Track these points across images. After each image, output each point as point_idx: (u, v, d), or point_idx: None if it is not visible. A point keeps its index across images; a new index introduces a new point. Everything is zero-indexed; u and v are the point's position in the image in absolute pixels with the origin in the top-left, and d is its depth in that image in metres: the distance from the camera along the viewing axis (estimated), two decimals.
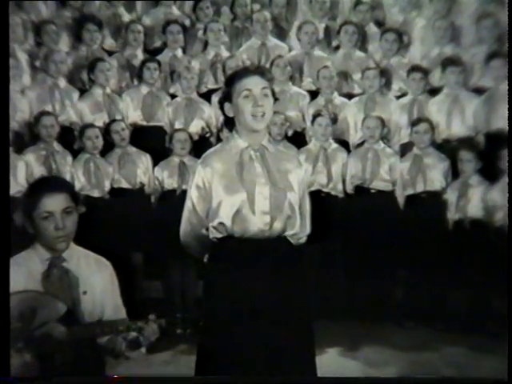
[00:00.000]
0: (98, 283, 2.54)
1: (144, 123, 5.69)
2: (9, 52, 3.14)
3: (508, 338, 2.41)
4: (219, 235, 2.65)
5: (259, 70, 2.73)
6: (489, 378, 2.48)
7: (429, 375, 2.98)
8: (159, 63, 5.76)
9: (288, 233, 2.68)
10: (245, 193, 2.61)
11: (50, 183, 2.63)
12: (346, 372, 4.34)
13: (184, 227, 2.72)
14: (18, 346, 2.10)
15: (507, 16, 3.91)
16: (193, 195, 2.68)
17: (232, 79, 2.71)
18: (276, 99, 2.74)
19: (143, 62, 5.76)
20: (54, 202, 2.48)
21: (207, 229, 2.67)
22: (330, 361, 4.43)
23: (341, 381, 3.16)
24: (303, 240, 2.79)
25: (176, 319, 2.43)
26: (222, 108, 2.72)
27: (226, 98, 2.69)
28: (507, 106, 3.26)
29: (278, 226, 2.65)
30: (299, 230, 2.72)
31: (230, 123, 2.73)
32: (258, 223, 2.62)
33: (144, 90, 5.71)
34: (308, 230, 2.81)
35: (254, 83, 2.64)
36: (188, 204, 2.71)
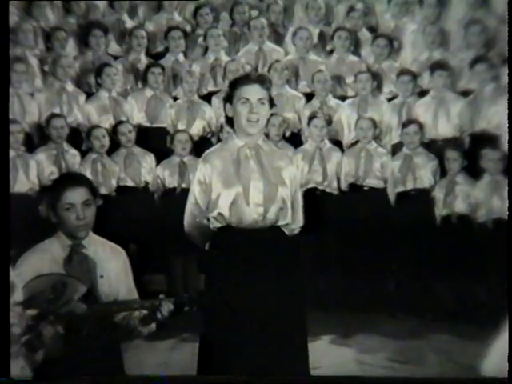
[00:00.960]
0: (113, 268, 2.83)
1: (148, 124, 5.94)
2: (9, 52, 3.06)
3: (508, 338, 2.36)
4: (218, 225, 2.94)
5: (260, 79, 3.02)
6: (489, 378, 2.42)
7: (429, 375, 2.96)
8: (163, 68, 6.01)
9: (280, 223, 2.97)
10: (241, 186, 2.90)
11: (72, 178, 2.93)
12: (339, 357, 4.62)
13: (187, 218, 3.01)
14: (50, 319, 2.37)
15: (507, 16, 3.91)
16: (195, 189, 2.96)
17: (234, 84, 3.00)
18: (273, 105, 3.03)
19: (148, 67, 6.01)
20: (76, 195, 2.76)
21: (208, 219, 2.96)
22: (323, 347, 4.71)
23: (341, 380, 3.28)
24: (296, 231, 3.07)
25: (183, 298, 2.72)
26: (224, 107, 3.01)
27: (228, 99, 2.98)
28: (507, 106, 3.22)
29: (270, 216, 2.94)
30: (291, 221, 3.00)
31: (230, 122, 3.02)
32: (252, 214, 2.91)
33: (148, 93, 5.96)
34: (301, 221, 3.08)
35: (253, 92, 2.92)
36: (191, 197, 3.00)
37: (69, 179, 2.90)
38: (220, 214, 2.92)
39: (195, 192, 2.96)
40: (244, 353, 2.85)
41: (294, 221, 3.03)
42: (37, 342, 2.24)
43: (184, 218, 3.01)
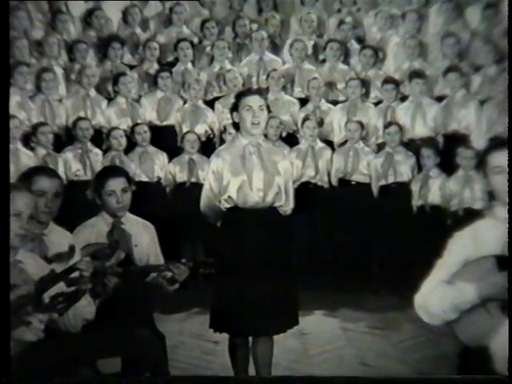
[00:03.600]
0: (144, 239, 3.59)
1: (158, 123, 6.64)
2: (9, 52, 3.18)
3: (508, 337, 2.47)
4: (228, 206, 3.68)
5: (259, 91, 3.81)
6: (489, 378, 2.55)
7: (429, 375, 3.17)
8: (171, 72, 6.73)
9: (276, 205, 3.72)
10: (245, 176, 3.64)
11: (113, 170, 3.71)
12: (326, 325, 5.37)
13: (203, 201, 3.75)
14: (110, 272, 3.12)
15: (507, 17, 4.20)
16: (210, 177, 3.70)
17: (239, 96, 3.73)
18: (270, 111, 3.78)
19: (157, 72, 6.75)
20: (116, 184, 3.52)
21: (219, 201, 3.69)
22: (314, 319, 5.44)
23: (341, 380, 3.40)
24: (289, 212, 3.80)
25: (200, 261, 3.45)
26: (231, 115, 3.74)
27: (234, 108, 3.70)
28: (507, 106, 3.49)
29: (268, 199, 3.68)
30: (284, 203, 3.75)
31: (236, 125, 3.77)
32: (254, 197, 3.65)
33: (159, 94, 6.68)
34: (291, 204, 3.81)
35: (254, 101, 3.64)
36: (206, 184, 3.74)
37: (110, 171, 3.69)
38: (229, 197, 3.66)
39: (210, 180, 3.70)
40: (247, 305, 3.60)
41: (286, 203, 3.77)
42: (101, 289, 2.97)
43: (200, 201, 3.77)
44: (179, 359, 4.50)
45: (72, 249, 3.16)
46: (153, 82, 6.80)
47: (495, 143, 2.84)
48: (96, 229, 3.51)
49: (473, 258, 2.61)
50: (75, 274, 2.80)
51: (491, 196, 2.72)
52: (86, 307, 2.88)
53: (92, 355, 2.88)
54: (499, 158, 2.64)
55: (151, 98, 6.72)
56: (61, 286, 2.77)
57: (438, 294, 2.63)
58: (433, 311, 2.65)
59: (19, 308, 2.49)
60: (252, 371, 3.90)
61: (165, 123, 6.67)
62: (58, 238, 3.19)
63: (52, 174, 3.29)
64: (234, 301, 3.65)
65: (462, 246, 2.68)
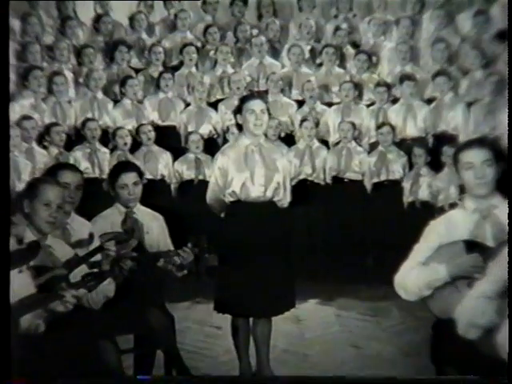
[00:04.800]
0: (154, 228, 3.96)
1: (160, 122, 6.96)
2: (9, 52, 3.28)
3: (508, 337, 2.59)
4: (232, 199, 4.05)
5: (261, 95, 4.18)
6: (490, 378, 2.71)
7: (429, 375, 3.14)
8: (173, 74, 7.06)
9: (275, 199, 4.09)
10: (248, 172, 4.01)
11: (126, 166, 4.09)
12: (321, 312, 5.73)
13: (210, 194, 4.13)
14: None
15: (507, 19, 4.28)
16: (215, 173, 4.07)
17: (243, 100, 4.10)
18: (270, 114, 4.14)
19: (160, 74, 7.07)
20: (128, 178, 3.91)
21: (224, 195, 4.07)
22: (310, 307, 5.80)
23: (341, 380, 3.61)
24: (285, 205, 4.17)
25: (205, 246, 3.81)
26: (235, 117, 4.10)
27: (238, 111, 4.06)
28: (508, 106, 3.55)
29: (268, 194, 4.06)
30: (282, 197, 4.12)
31: (239, 126, 4.13)
32: (256, 192, 4.03)
33: (161, 95, 7.01)
34: (288, 198, 4.18)
35: (257, 105, 3.99)
36: (212, 179, 4.12)
37: (123, 166, 4.07)
38: (233, 191, 4.03)
39: (216, 175, 4.07)
40: (248, 289, 3.97)
41: (284, 197, 4.15)
42: (118, 271, 3.34)
43: (207, 195, 4.14)
44: (185, 342, 4.83)
45: (91, 236, 3.54)
46: (155, 84, 7.11)
47: (466, 143, 3.20)
48: (111, 218, 3.89)
49: (445, 243, 2.98)
50: (96, 258, 3.18)
51: (462, 189, 3.09)
52: (107, 285, 3.26)
53: (110, 331, 3.25)
54: (469, 156, 3.01)
55: (153, 100, 7.03)
56: (83, 268, 3.15)
57: (414, 274, 3.02)
58: (410, 289, 3.03)
59: (50, 285, 2.86)
60: (252, 352, 4.28)
61: (166, 123, 6.98)
62: (79, 227, 3.57)
63: (74, 168, 3.68)
64: (236, 285, 4.02)
65: (436, 233, 3.07)
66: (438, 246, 3.00)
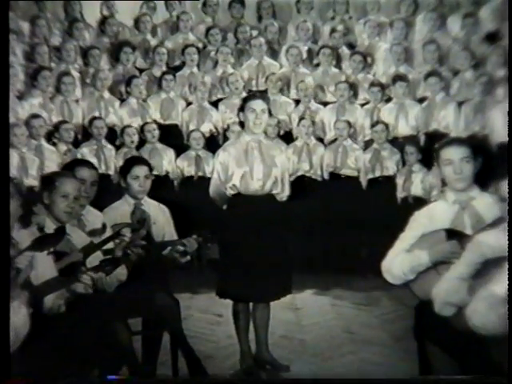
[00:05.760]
0: (161, 219, 4.24)
1: (161, 121, 7.22)
2: (9, 52, 3.32)
3: (508, 338, 2.67)
4: (232, 192, 4.33)
5: (262, 96, 4.48)
6: (489, 378, 2.76)
7: (429, 375, 3.21)
8: (174, 75, 7.34)
9: (273, 192, 4.37)
10: (248, 167, 4.28)
11: (138, 159, 4.38)
12: (317, 302, 6.04)
13: (212, 187, 4.40)
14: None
15: (507, 19, 4.51)
16: (217, 168, 4.34)
17: (246, 99, 4.38)
18: (270, 114, 4.42)
19: (162, 74, 7.36)
20: (140, 170, 4.19)
21: (225, 188, 4.34)
22: (307, 296, 6.11)
23: (341, 381, 3.69)
24: (284, 198, 4.44)
25: (208, 236, 4.11)
26: (238, 115, 4.38)
27: (241, 109, 4.33)
28: (508, 107, 3.65)
29: (267, 187, 4.33)
30: (281, 191, 4.40)
31: (241, 124, 4.42)
32: (255, 185, 4.30)
33: (163, 95, 7.30)
34: (287, 192, 4.44)
35: (257, 104, 4.26)
36: (214, 174, 4.39)
37: (136, 160, 4.37)
38: (234, 185, 4.31)
39: (218, 170, 4.34)
40: (248, 275, 4.25)
41: (282, 191, 4.42)
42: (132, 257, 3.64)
43: (209, 188, 4.42)
44: (189, 328, 5.04)
45: (104, 226, 3.84)
46: (157, 84, 7.38)
47: (446, 141, 3.50)
48: (120, 210, 4.18)
49: (428, 232, 3.28)
50: (109, 245, 3.49)
51: (443, 183, 3.39)
52: (119, 270, 3.55)
53: (123, 313, 3.54)
54: (448, 153, 3.31)
55: (156, 100, 7.31)
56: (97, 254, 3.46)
57: (399, 260, 3.32)
58: (395, 273, 3.33)
59: (69, 269, 3.16)
60: (251, 337, 4.58)
61: (168, 122, 7.25)
62: (93, 218, 3.87)
63: (90, 165, 3.96)
64: (237, 272, 4.31)
65: (419, 223, 3.37)
66: (421, 235, 3.30)
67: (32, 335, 2.81)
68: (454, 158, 3.29)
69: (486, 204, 3.23)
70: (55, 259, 3.16)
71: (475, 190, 3.35)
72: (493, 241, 2.87)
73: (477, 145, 3.33)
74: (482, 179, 3.33)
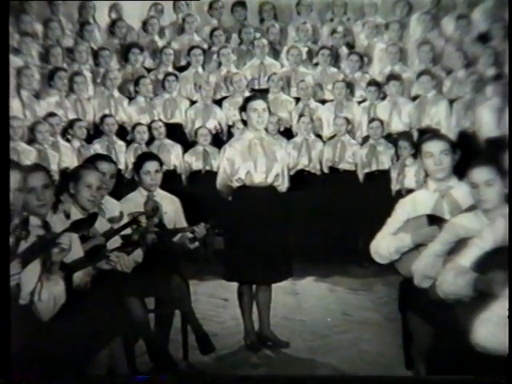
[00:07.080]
0: (171, 209, 4.63)
1: (165, 120, 7.50)
2: (9, 52, 3.43)
3: (508, 336, 2.77)
4: (238, 184, 4.73)
5: (263, 96, 4.90)
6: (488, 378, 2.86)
7: (429, 375, 3.30)
8: (176, 76, 7.68)
9: (275, 184, 4.77)
10: (252, 162, 4.69)
11: (149, 155, 4.78)
12: (316, 287, 6.43)
13: (219, 181, 4.80)
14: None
15: (507, 19, 4.89)
16: (224, 162, 4.75)
17: (247, 100, 4.78)
18: (270, 111, 4.82)
19: (165, 76, 7.68)
20: (151, 166, 4.58)
21: (231, 181, 4.74)
22: (307, 283, 6.51)
23: (341, 380, 3.88)
24: (284, 190, 4.83)
25: (215, 223, 4.51)
26: (240, 114, 4.77)
27: (243, 109, 4.73)
28: (508, 107, 4.17)
29: (269, 180, 4.74)
30: (281, 183, 4.80)
31: (244, 122, 4.81)
32: (259, 178, 4.71)
33: (166, 95, 7.63)
34: (286, 184, 4.84)
35: (259, 104, 4.66)
36: (221, 168, 4.79)
37: (147, 156, 4.77)
38: (239, 178, 4.72)
39: (225, 164, 4.74)
40: (251, 259, 4.67)
41: (283, 183, 4.83)
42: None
43: (216, 181, 4.82)
44: (197, 311, 5.44)
45: (121, 214, 4.24)
46: (161, 84, 7.70)
47: (427, 136, 3.90)
48: (135, 200, 4.57)
49: (412, 217, 3.69)
50: (127, 231, 3.91)
51: (426, 174, 3.80)
52: (137, 252, 3.96)
53: (140, 291, 3.96)
54: (429, 147, 3.71)
55: (160, 100, 7.65)
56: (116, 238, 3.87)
57: (386, 242, 3.74)
58: (382, 254, 3.75)
59: (94, 251, 3.58)
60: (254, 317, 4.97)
61: (172, 121, 7.57)
62: (112, 206, 4.27)
63: (109, 159, 4.36)
64: (242, 257, 4.72)
65: (404, 209, 3.79)
66: (406, 220, 3.70)
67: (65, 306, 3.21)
68: (434, 151, 3.69)
69: (462, 192, 3.63)
70: (81, 242, 3.56)
71: (453, 180, 3.75)
72: (466, 223, 3.28)
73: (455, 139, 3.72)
74: (459, 170, 3.73)
